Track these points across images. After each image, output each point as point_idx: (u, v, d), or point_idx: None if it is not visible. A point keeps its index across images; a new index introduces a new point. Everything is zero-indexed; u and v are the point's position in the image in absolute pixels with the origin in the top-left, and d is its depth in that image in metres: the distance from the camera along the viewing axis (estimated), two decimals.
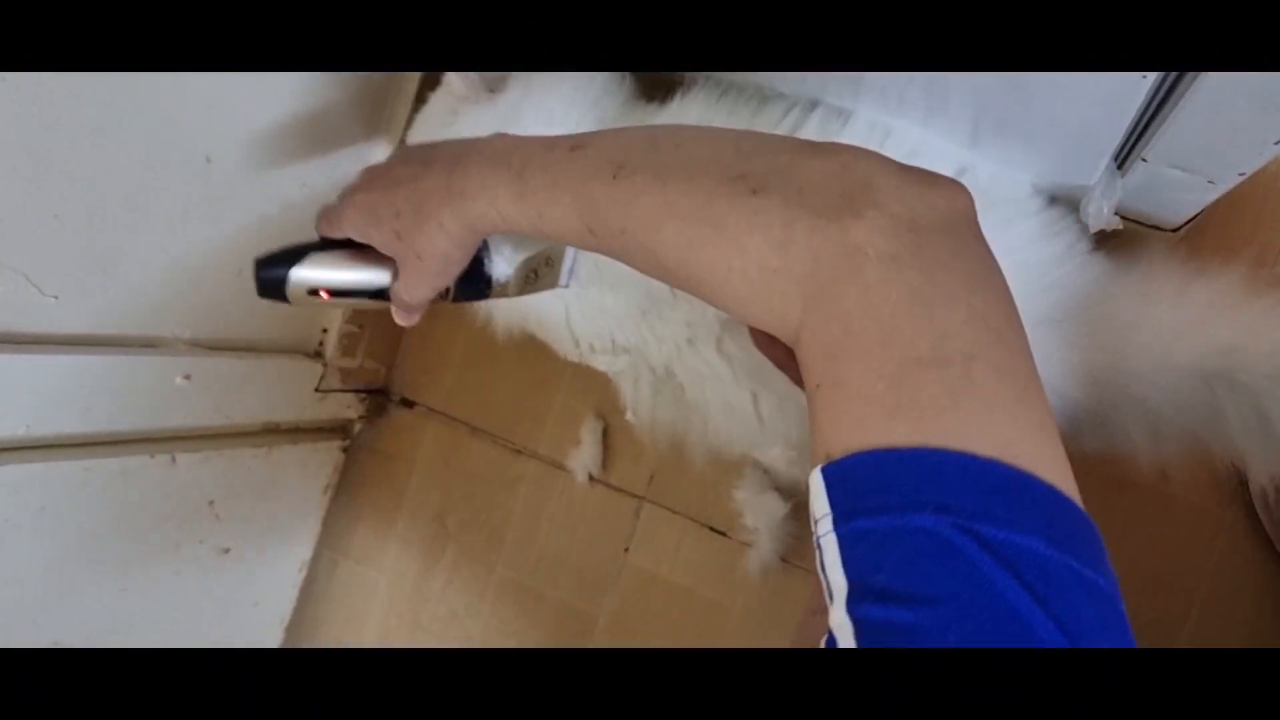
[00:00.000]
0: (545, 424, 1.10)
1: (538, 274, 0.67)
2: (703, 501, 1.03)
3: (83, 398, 0.79)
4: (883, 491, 0.32)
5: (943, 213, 0.37)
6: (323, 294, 0.62)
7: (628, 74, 0.84)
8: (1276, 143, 0.57)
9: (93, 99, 0.69)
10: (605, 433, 1.07)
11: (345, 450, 1.15)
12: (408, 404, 1.17)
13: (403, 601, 1.17)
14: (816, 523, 0.34)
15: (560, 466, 1.09)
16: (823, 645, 0.33)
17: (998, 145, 0.71)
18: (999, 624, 0.29)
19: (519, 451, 1.11)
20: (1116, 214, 0.71)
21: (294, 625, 1.19)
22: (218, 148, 0.81)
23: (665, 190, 0.41)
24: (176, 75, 0.73)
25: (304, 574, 1.17)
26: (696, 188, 0.40)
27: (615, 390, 0.93)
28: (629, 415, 0.92)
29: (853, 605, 0.31)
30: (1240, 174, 0.64)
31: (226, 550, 1.01)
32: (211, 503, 0.97)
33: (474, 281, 0.64)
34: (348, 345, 1.07)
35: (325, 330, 1.05)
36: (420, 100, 0.91)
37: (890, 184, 0.38)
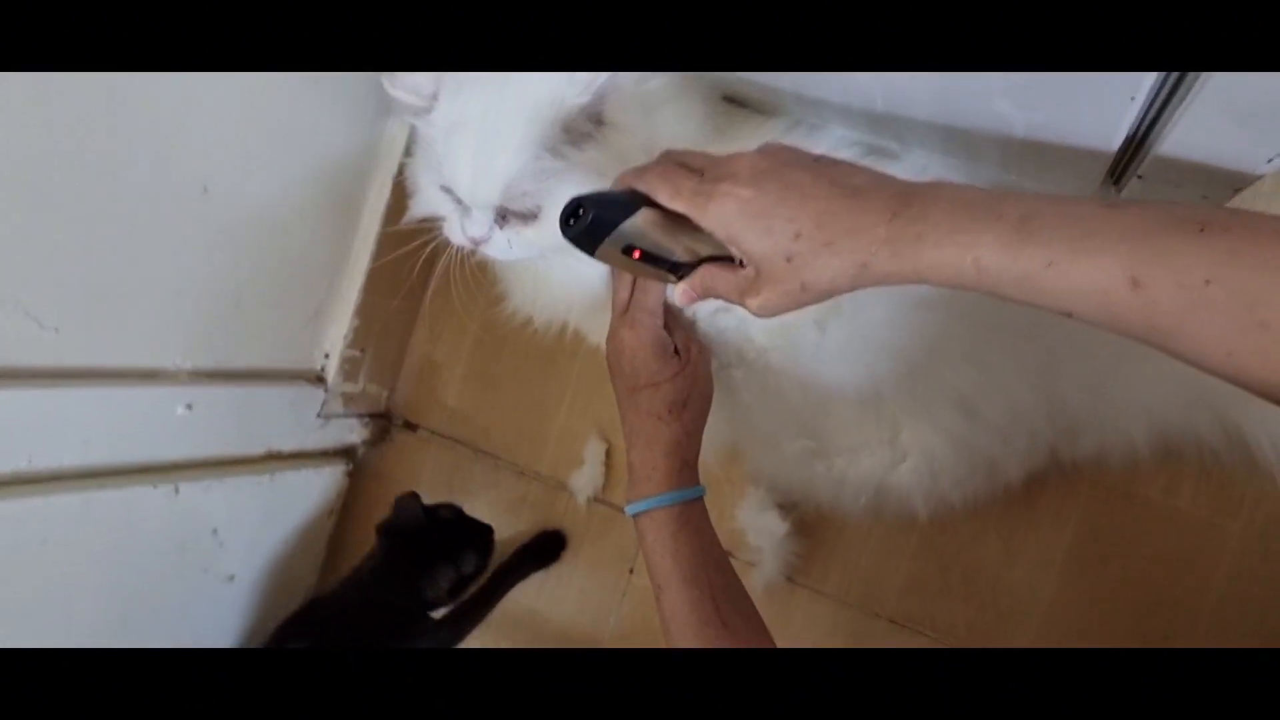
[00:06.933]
0: (547, 446, 1.10)
1: None
2: None
3: (83, 430, 0.79)
4: None
5: None
6: (636, 254, 0.55)
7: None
8: (1270, 160, 0.57)
9: (90, 129, 0.69)
10: (608, 454, 1.07)
11: (349, 474, 1.15)
12: (410, 427, 1.17)
13: None
14: None
15: (563, 487, 1.09)
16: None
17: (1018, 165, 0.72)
18: None
19: (521, 473, 1.11)
20: None
21: None
22: (215, 178, 0.81)
23: None
24: (174, 106, 0.74)
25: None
26: None
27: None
28: None
29: None
30: (1235, 190, 0.63)
31: (231, 578, 1.01)
32: (215, 531, 0.97)
33: None
34: (349, 370, 1.07)
35: (327, 355, 1.05)
36: None
37: None
